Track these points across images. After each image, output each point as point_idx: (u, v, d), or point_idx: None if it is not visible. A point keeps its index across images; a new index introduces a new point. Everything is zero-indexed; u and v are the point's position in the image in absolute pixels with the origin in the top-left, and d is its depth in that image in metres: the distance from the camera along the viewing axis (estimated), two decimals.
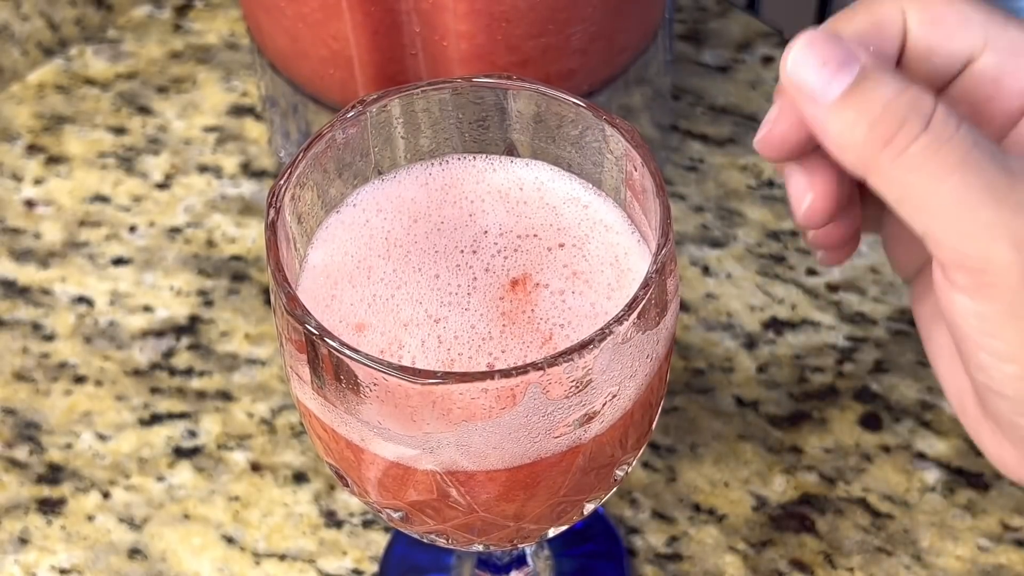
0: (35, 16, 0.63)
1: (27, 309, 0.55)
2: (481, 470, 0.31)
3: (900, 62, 0.36)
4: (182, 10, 0.66)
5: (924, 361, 0.52)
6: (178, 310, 0.55)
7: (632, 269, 0.34)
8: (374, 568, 0.48)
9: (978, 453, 0.49)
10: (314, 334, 0.30)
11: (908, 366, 0.52)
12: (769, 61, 0.62)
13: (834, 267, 0.55)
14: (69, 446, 0.51)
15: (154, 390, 0.52)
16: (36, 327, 0.55)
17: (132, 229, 0.58)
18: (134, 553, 0.48)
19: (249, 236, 0.57)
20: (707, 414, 0.51)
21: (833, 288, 0.54)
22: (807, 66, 0.34)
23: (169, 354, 0.53)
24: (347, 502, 0.49)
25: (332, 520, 0.49)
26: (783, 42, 0.63)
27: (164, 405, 0.52)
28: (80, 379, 0.53)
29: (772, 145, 0.37)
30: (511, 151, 0.36)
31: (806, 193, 0.37)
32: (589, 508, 0.35)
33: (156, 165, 0.60)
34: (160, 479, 0.50)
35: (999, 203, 0.33)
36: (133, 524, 0.49)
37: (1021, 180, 0.33)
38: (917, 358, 0.52)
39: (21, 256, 0.57)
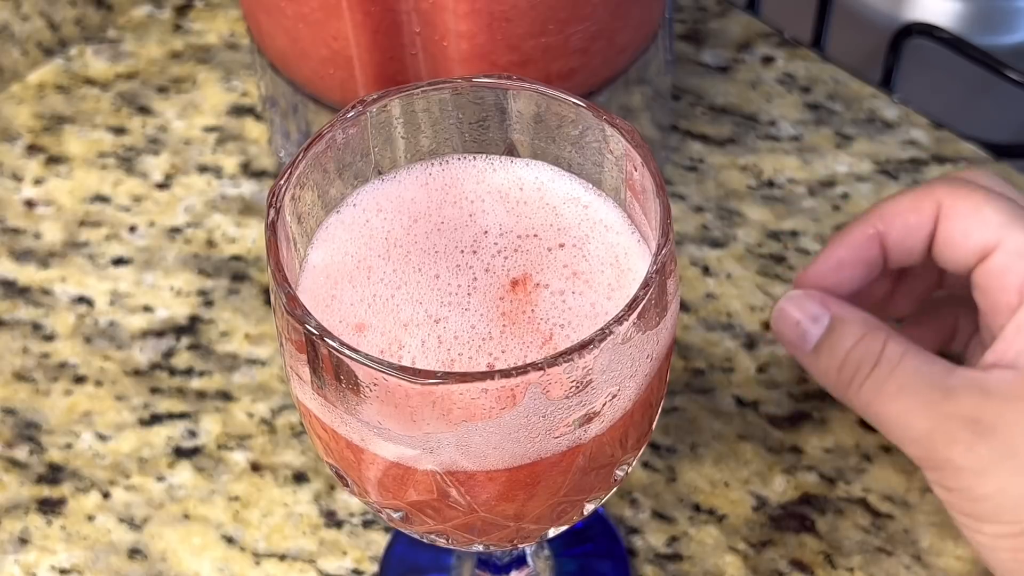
0: (35, 16, 0.63)
1: (27, 309, 0.55)
2: (481, 470, 0.31)
3: (931, 245, 0.45)
4: (182, 10, 0.66)
5: None
6: (178, 310, 0.55)
7: (632, 269, 0.34)
8: (374, 568, 0.48)
9: None
10: (314, 334, 0.30)
11: None
12: (769, 61, 0.62)
13: None
14: (69, 446, 0.51)
15: (154, 390, 0.52)
16: (36, 327, 0.55)
17: (132, 229, 0.58)
18: (134, 553, 0.48)
19: (249, 236, 0.57)
20: (707, 414, 0.51)
21: None
22: (784, 323, 0.46)
23: (169, 354, 0.53)
24: (347, 502, 0.49)
25: (332, 520, 0.49)
26: (783, 42, 0.63)
27: (164, 405, 0.52)
28: (80, 379, 0.53)
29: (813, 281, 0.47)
30: (511, 151, 0.36)
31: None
32: (589, 508, 0.35)
33: (156, 165, 0.60)
34: (160, 479, 0.50)
35: (933, 413, 0.42)
36: (133, 524, 0.49)
37: (954, 394, 0.42)
38: None
39: (21, 256, 0.57)
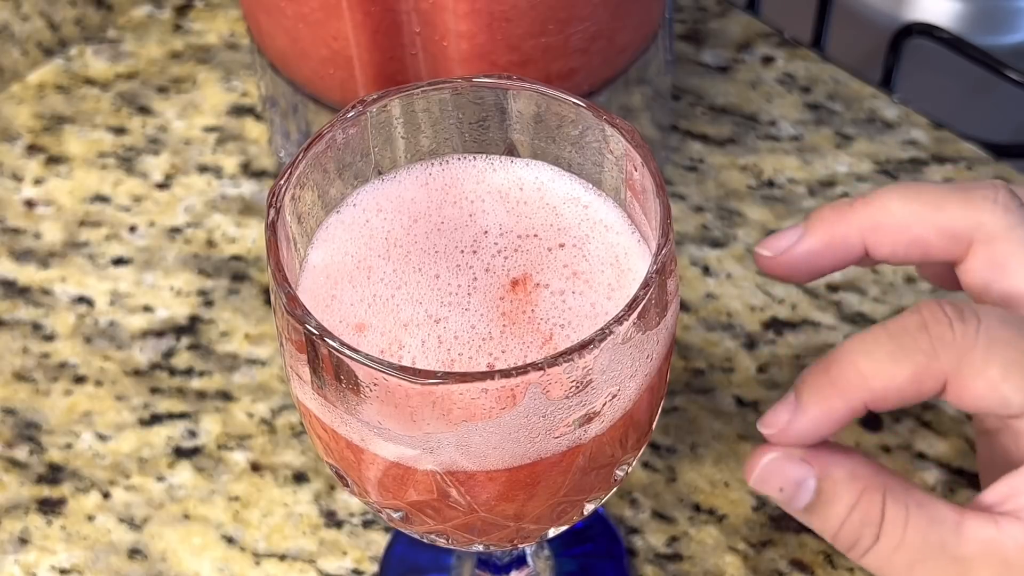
0: (35, 16, 0.63)
1: (27, 309, 0.55)
2: (481, 470, 0.31)
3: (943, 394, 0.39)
4: (182, 10, 0.66)
5: None
6: (178, 310, 0.55)
7: (632, 269, 0.34)
8: (374, 568, 0.48)
9: None
10: (314, 334, 0.30)
11: None
12: (769, 61, 0.62)
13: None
14: (69, 446, 0.51)
15: (154, 390, 0.52)
16: (36, 327, 0.55)
17: (132, 229, 0.58)
18: (134, 553, 0.48)
19: (249, 236, 0.57)
20: (707, 414, 0.51)
21: (833, 288, 0.54)
22: (768, 488, 0.40)
23: (169, 354, 0.53)
24: (347, 502, 0.49)
25: (332, 520, 0.49)
26: (783, 42, 0.63)
27: (164, 405, 0.52)
28: (80, 379, 0.53)
29: (784, 267, 0.42)
30: (511, 151, 0.36)
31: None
32: (589, 508, 0.35)
33: (156, 165, 0.60)
34: (160, 479, 0.50)
35: None
36: (133, 524, 0.49)
37: (972, 566, 0.38)
38: None
39: (21, 256, 0.57)
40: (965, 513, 0.38)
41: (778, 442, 0.41)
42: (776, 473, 0.40)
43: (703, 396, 0.51)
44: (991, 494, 0.39)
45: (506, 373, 0.28)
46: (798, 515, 0.41)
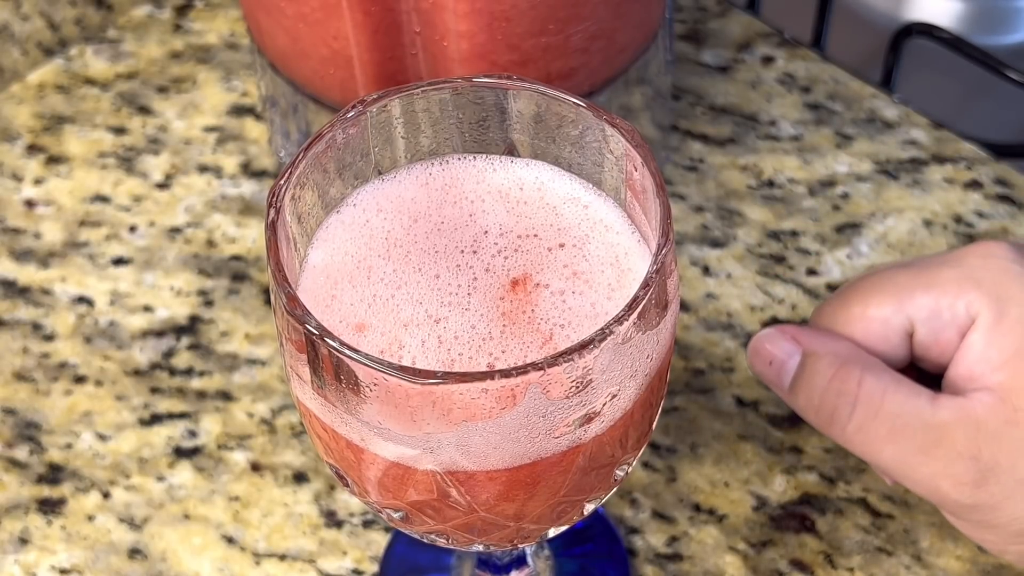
0: (35, 16, 0.63)
1: (27, 309, 0.55)
2: (481, 470, 0.31)
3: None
4: (182, 10, 0.66)
5: None
6: (178, 310, 0.55)
7: (632, 269, 0.34)
8: (374, 568, 0.48)
9: None
10: (314, 334, 0.30)
11: None
12: (769, 61, 0.62)
13: (834, 267, 0.55)
14: (69, 446, 0.51)
15: (154, 390, 0.52)
16: (36, 327, 0.55)
17: (132, 229, 0.58)
18: (134, 553, 0.48)
19: (249, 236, 0.57)
20: (707, 414, 0.51)
21: (833, 288, 0.54)
22: (760, 361, 0.45)
23: (169, 354, 0.53)
24: (347, 502, 0.49)
25: (332, 520, 0.49)
26: (783, 42, 0.63)
27: (164, 405, 0.52)
28: (80, 379, 0.53)
29: None
30: (511, 151, 0.36)
31: None
32: (589, 508, 0.35)
33: (156, 165, 0.60)
34: (160, 479, 0.50)
35: (932, 458, 0.41)
36: (133, 524, 0.49)
37: (948, 433, 0.40)
38: None
39: (21, 256, 0.57)
40: (937, 395, 0.41)
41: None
42: (769, 344, 0.44)
43: (703, 396, 0.51)
44: (954, 375, 0.42)
45: (506, 373, 0.28)
46: (785, 397, 0.44)
